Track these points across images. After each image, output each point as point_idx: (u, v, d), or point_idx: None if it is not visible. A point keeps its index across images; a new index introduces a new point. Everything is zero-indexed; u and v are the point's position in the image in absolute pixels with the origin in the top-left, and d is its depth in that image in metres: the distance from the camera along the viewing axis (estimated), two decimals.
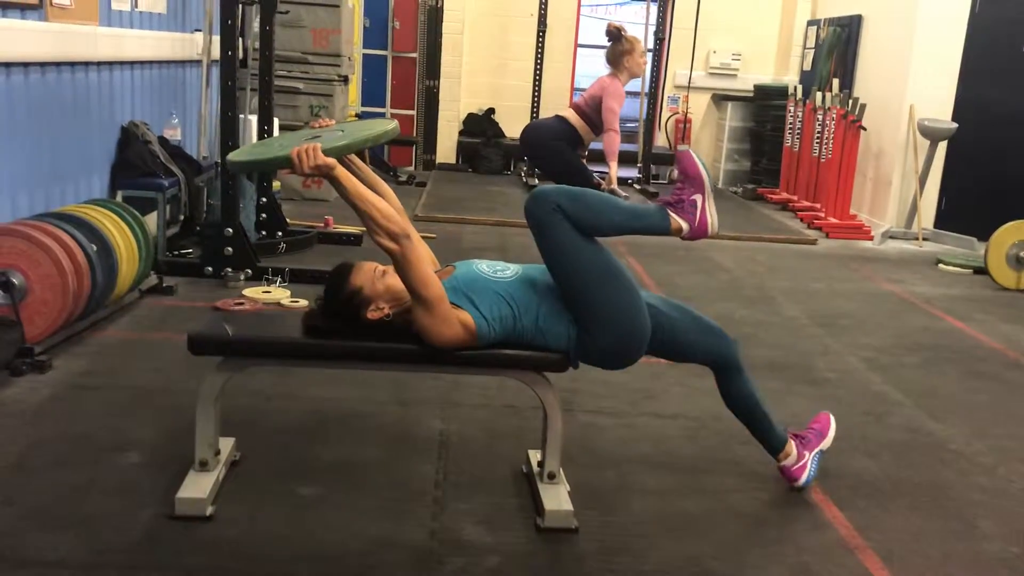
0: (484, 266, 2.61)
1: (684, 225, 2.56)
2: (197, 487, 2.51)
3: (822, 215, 7.82)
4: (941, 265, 6.54)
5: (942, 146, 7.40)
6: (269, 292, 4.62)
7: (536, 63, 8.79)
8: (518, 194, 8.43)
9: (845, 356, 4.30)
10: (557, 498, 2.58)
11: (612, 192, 5.41)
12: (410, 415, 3.25)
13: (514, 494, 2.73)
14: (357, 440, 3.02)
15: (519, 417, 3.29)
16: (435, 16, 9.50)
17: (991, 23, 7.33)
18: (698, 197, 2.56)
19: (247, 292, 4.60)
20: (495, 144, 9.70)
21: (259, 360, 2.60)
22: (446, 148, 9.89)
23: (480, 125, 9.86)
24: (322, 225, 6.18)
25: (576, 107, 5.44)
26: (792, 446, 2.83)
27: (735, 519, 2.67)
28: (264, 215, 5.76)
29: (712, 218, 2.57)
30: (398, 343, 2.51)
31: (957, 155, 7.49)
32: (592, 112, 5.35)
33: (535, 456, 2.83)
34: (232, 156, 2.65)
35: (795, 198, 8.48)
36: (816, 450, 2.87)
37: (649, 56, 9.03)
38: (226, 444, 2.77)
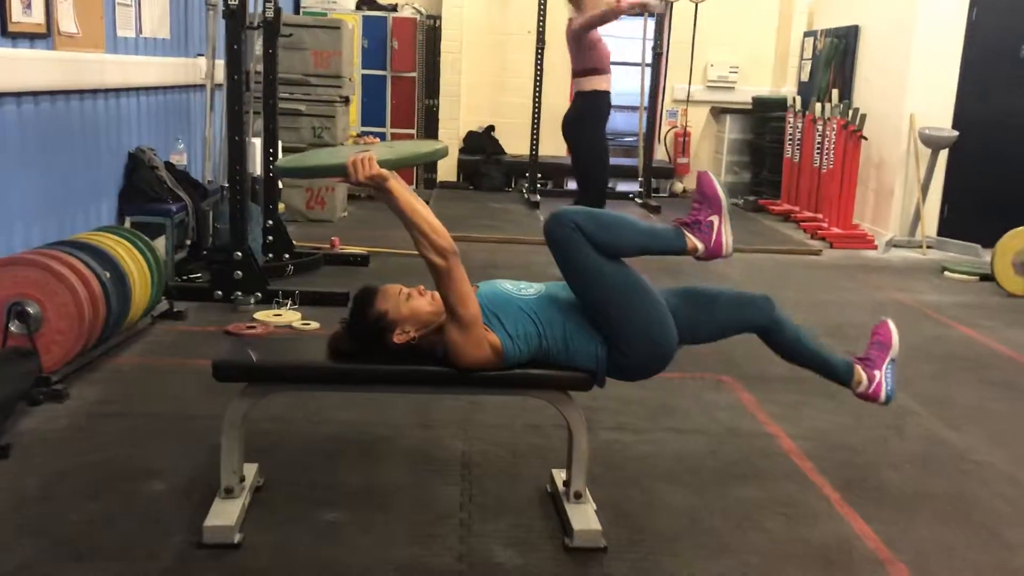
0: (508, 284, 2.61)
1: (699, 245, 2.56)
2: (224, 514, 2.50)
3: (825, 225, 7.84)
4: (947, 273, 6.56)
5: (943, 154, 7.43)
6: (280, 315, 4.62)
7: (536, 80, 8.81)
8: (521, 211, 8.45)
9: None
10: (584, 517, 2.57)
11: (644, 5, 5.43)
12: (432, 437, 3.24)
13: (540, 515, 2.72)
14: (380, 463, 3.02)
15: (541, 436, 3.28)
16: (433, 36, 9.54)
17: (989, 31, 7.37)
18: (715, 218, 2.57)
19: (258, 315, 4.60)
20: (496, 161, 9.72)
21: (285, 385, 2.59)
22: (447, 166, 9.89)
23: (480, 143, 9.88)
24: (328, 246, 6.19)
25: (573, 73, 5.52)
26: (860, 372, 2.79)
27: (763, 535, 2.66)
28: (271, 237, 5.76)
29: (727, 239, 2.57)
30: (423, 366, 2.52)
31: (958, 163, 7.51)
32: (581, 64, 5.41)
33: (559, 475, 2.82)
34: (281, 163, 2.68)
35: (797, 209, 8.50)
36: (887, 362, 2.84)
37: (648, 71, 9.10)
38: (249, 470, 2.76)
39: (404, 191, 2.41)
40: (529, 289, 2.59)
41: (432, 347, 2.53)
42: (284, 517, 2.63)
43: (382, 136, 9.57)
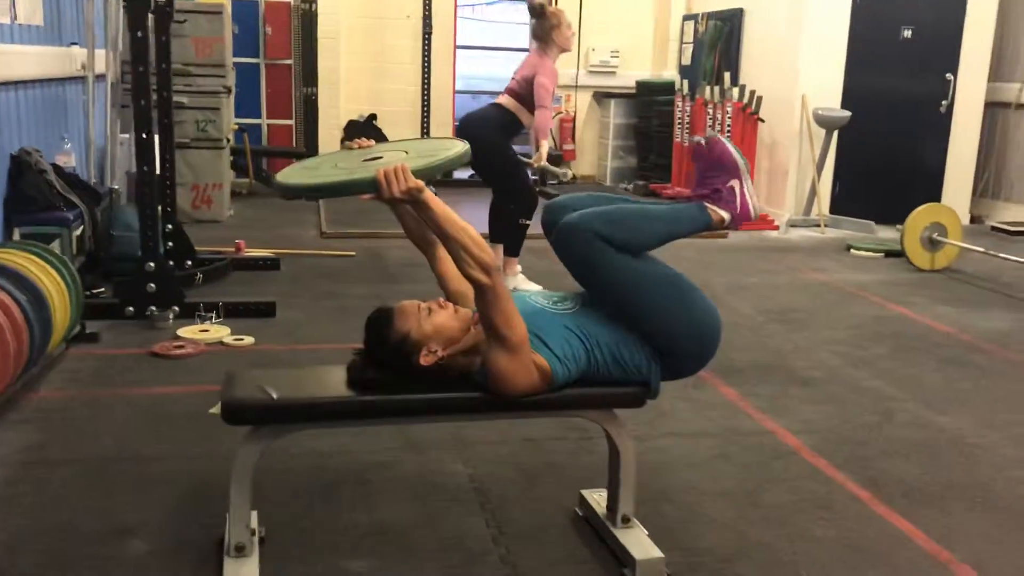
0: (540, 298, 2.37)
1: (726, 215, 2.40)
2: None
3: None
4: (853, 251, 6.70)
5: (835, 133, 7.60)
6: (207, 331, 4.18)
7: (424, 66, 8.50)
8: None
9: (817, 352, 4.27)
10: (641, 545, 2.37)
11: (543, 170, 5.26)
12: (428, 461, 2.96)
13: (582, 543, 2.50)
14: (384, 497, 2.71)
15: (543, 451, 3.05)
16: (309, 21, 9.04)
17: (872, 12, 7.58)
18: (735, 183, 2.40)
19: (183, 332, 4.15)
20: None
21: (306, 424, 2.27)
22: None
23: (363, 131, 9.44)
24: (233, 250, 5.72)
25: (511, 91, 5.22)
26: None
27: (814, 543, 2.53)
28: (170, 243, 5.26)
29: (753, 201, 2.42)
30: (456, 391, 2.25)
31: (847, 142, 7.70)
32: (526, 93, 5.14)
33: (592, 497, 2.60)
34: (285, 179, 2.30)
35: (689, 192, 8.53)
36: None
37: None
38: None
39: (440, 202, 2.13)
40: (565, 302, 2.35)
41: (464, 367, 2.26)
42: (303, 572, 2.30)
43: (257, 128, 9.06)
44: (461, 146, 2.36)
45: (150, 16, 4.90)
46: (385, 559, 2.37)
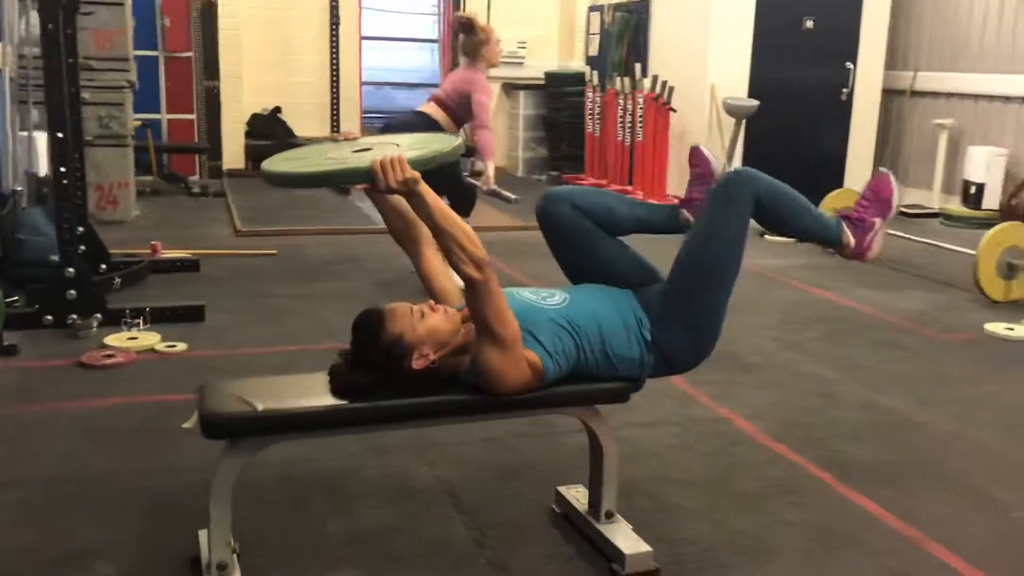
0: (528, 293, 2.34)
1: (852, 241, 2.51)
2: None
3: (640, 198, 7.99)
4: (767, 236, 6.86)
5: (743, 122, 7.77)
6: (136, 338, 4.00)
7: (332, 58, 8.33)
8: (332, 199, 7.93)
9: (753, 338, 4.37)
10: (629, 539, 2.36)
11: (494, 193, 5.19)
12: (393, 464, 2.89)
13: (564, 540, 2.48)
14: (355, 504, 2.64)
15: (507, 450, 3.02)
16: (209, 12, 8.74)
17: (776, 3, 7.78)
18: (878, 221, 2.52)
19: (110, 340, 3.95)
20: (288, 145, 9.04)
21: (296, 434, 2.18)
22: (233, 153, 9.15)
23: (268, 126, 9.24)
24: (149, 252, 5.48)
25: (437, 100, 5.15)
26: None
27: (790, 529, 2.57)
28: (83, 246, 4.99)
29: (877, 246, 2.52)
30: (447, 392, 2.20)
31: (755, 130, 7.89)
32: (455, 106, 5.09)
33: (570, 493, 2.59)
34: (272, 167, 2.21)
35: (605, 182, 8.62)
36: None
37: (437, 47, 8.84)
38: None
39: (434, 195, 2.08)
40: (554, 298, 2.33)
41: (454, 369, 2.21)
42: None
43: (157, 123, 8.72)
44: (455, 139, 2.33)
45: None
46: (371, 568, 2.30)
